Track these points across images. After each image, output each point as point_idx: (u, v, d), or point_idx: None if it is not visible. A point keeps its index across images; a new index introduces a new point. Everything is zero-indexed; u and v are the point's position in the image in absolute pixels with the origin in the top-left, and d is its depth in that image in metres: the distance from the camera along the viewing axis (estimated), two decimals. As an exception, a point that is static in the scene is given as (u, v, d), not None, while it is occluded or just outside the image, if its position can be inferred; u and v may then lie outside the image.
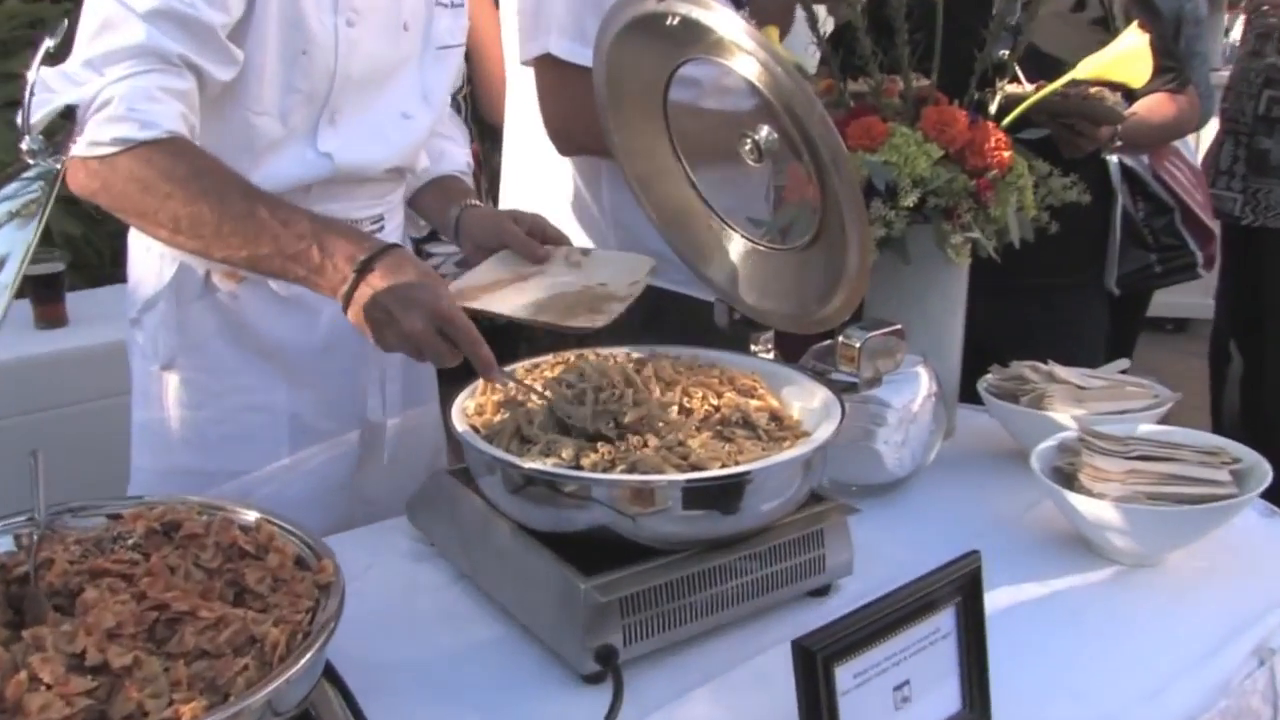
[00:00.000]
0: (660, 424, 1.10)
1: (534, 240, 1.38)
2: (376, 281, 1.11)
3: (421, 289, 1.10)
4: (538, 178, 1.77)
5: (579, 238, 1.70)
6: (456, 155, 1.57)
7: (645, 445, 1.06)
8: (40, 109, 1.02)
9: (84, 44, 1.15)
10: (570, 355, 1.26)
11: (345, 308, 1.12)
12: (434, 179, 1.54)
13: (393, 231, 1.48)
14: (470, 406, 1.18)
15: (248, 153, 1.26)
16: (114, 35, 1.14)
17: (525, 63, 1.65)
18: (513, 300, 1.27)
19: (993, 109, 1.53)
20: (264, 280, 1.31)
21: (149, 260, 1.36)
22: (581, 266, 1.36)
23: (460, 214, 1.46)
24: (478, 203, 1.49)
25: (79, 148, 1.12)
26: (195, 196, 1.13)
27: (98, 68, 1.13)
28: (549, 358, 1.27)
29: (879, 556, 1.20)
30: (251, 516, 1.01)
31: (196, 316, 1.36)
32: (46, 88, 1.12)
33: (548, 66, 1.61)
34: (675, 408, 1.14)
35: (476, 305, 1.23)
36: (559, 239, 1.41)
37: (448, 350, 1.10)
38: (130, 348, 1.42)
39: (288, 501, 1.30)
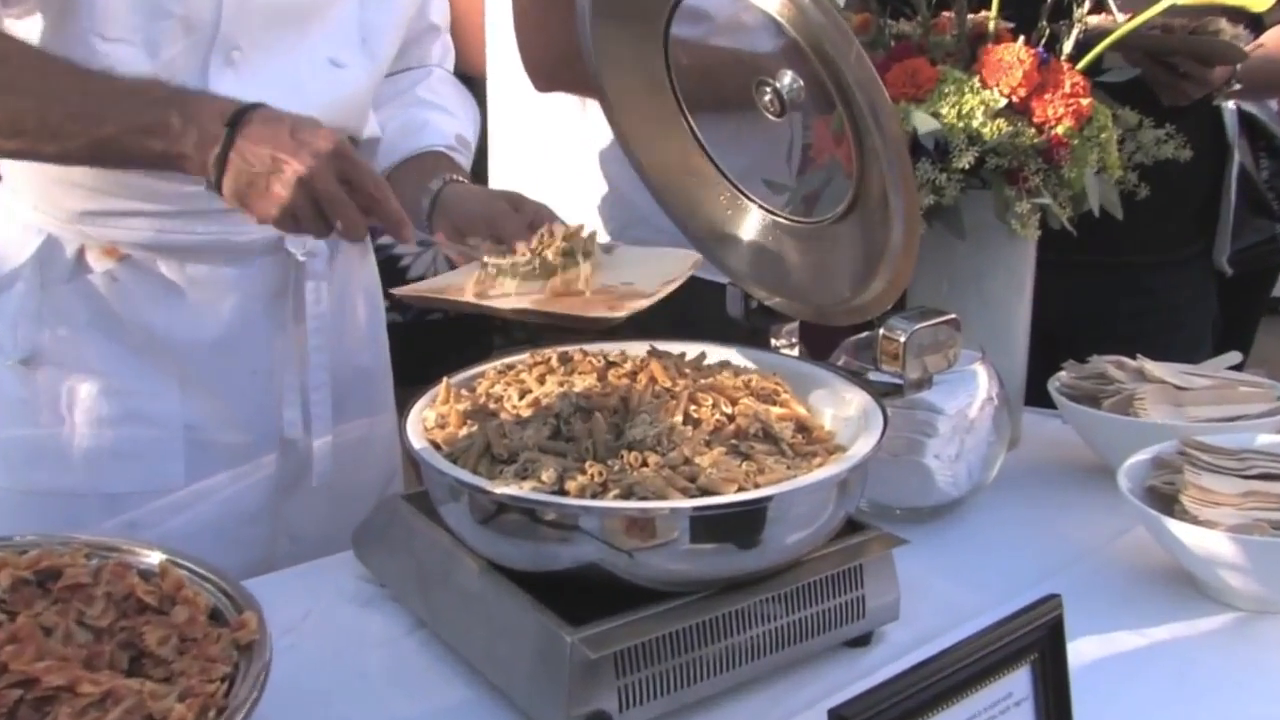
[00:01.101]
0: (663, 438, 1.10)
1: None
2: (255, 134, 1.10)
3: (309, 126, 1.11)
4: (528, 135, 1.78)
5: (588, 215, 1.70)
6: (444, 127, 1.56)
7: (644, 464, 1.06)
8: None
9: None
10: (552, 354, 1.26)
11: (219, 180, 1.11)
12: (409, 157, 1.52)
13: None
14: (430, 418, 1.17)
15: None
16: None
17: None
18: (513, 298, 1.27)
19: (1068, 46, 1.52)
20: (150, 260, 1.30)
21: (7, 230, 1.35)
22: (602, 265, 1.35)
23: (441, 189, 1.44)
24: (465, 179, 1.47)
25: None
26: (4, 85, 1.12)
27: None
28: (525, 357, 1.27)
29: (931, 599, 1.20)
30: (154, 558, 1.00)
31: (66, 302, 1.35)
32: None
33: None
34: (679, 418, 1.14)
35: (466, 299, 1.23)
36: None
37: (351, 204, 1.10)
38: None
39: (189, 538, 1.30)
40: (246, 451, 1.43)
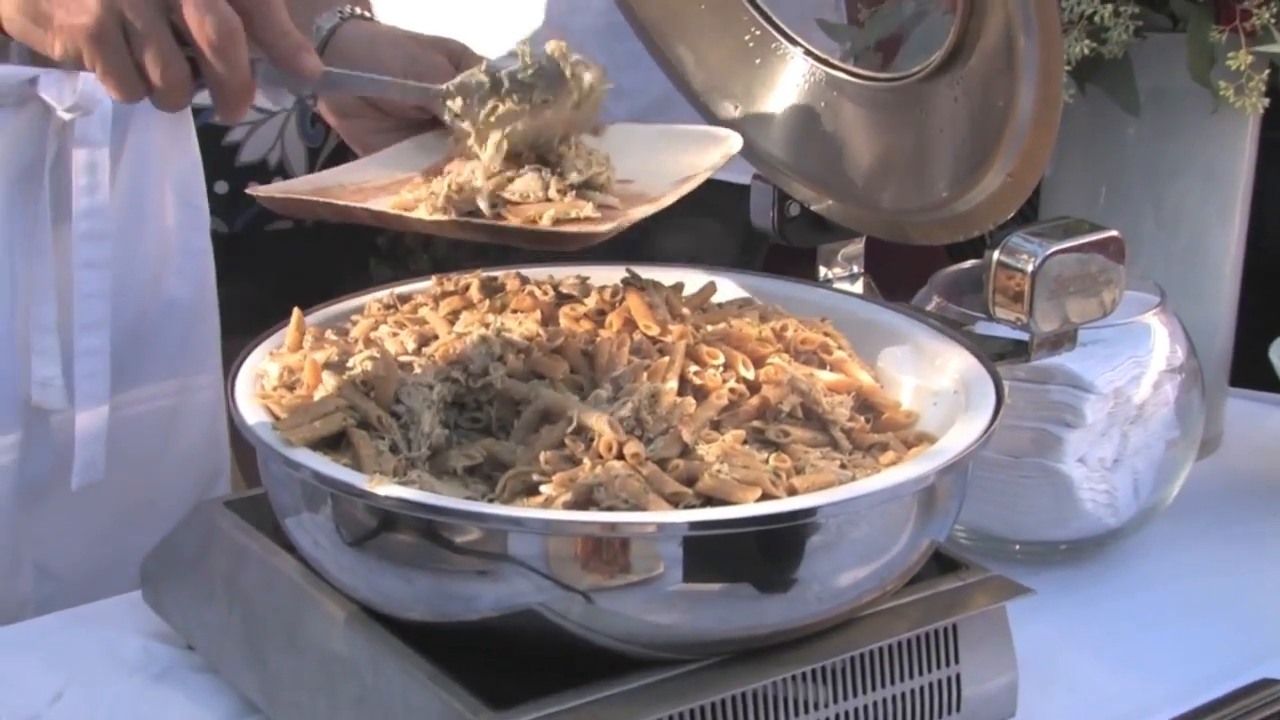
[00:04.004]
0: (644, 415, 1.14)
1: None
2: None
3: None
4: None
5: None
6: None
7: (617, 455, 1.10)
8: None
9: None
10: (470, 280, 1.31)
11: None
12: None
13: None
14: (272, 374, 1.21)
15: None
16: None
17: None
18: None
19: None
20: None
21: None
22: (594, 150, 1.34)
23: (337, 26, 1.45)
24: (368, 14, 1.49)
25: None
26: None
27: None
28: (428, 284, 1.32)
29: (1068, 685, 1.24)
30: None
31: None
32: None
33: None
34: (673, 383, 1.18)
35: (386, 209, 1.26)
36: None
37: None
38: None
39: None
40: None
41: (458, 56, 1.41)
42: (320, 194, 1.30)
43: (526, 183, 1.25)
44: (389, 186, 1.31)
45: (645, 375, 1.17)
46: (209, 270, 1.67)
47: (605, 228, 1.21)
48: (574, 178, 1.26)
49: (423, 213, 1.24)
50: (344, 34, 1.45)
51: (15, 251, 1.48)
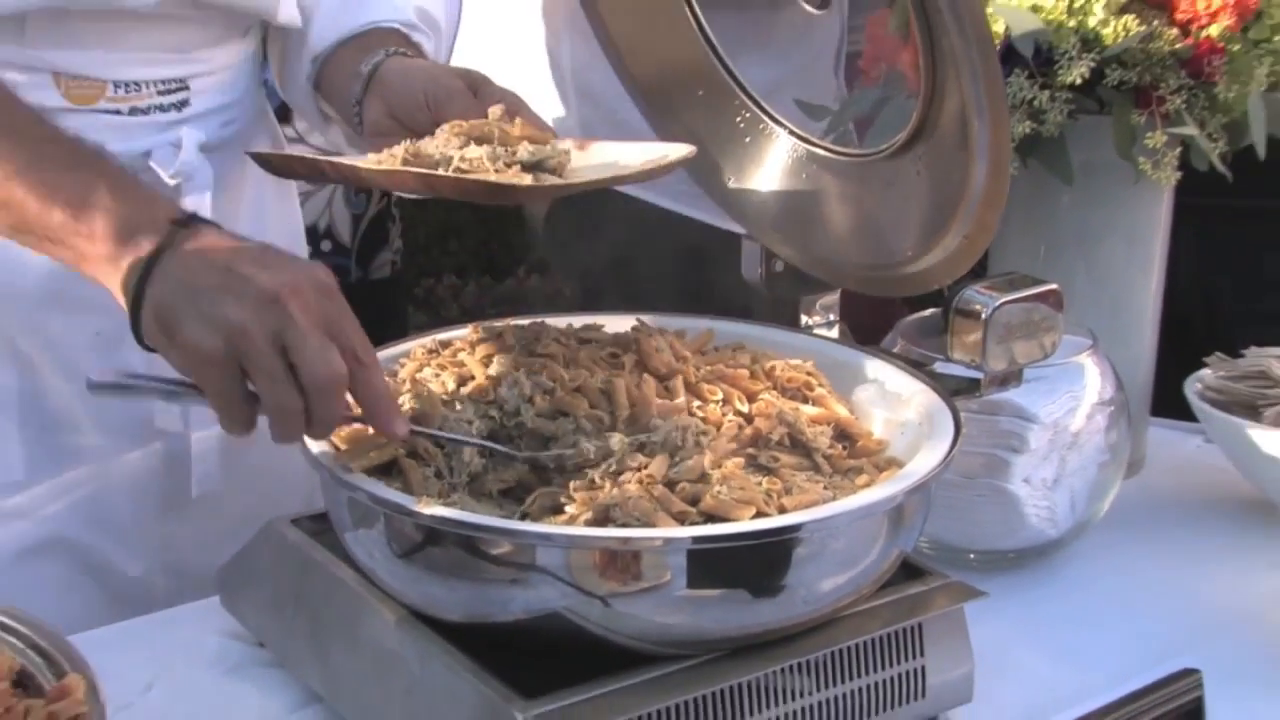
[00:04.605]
0: (687, 440, 1.14)
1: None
2: (209, 242, 1.09)
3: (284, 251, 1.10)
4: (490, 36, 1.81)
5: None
6: (399, 1, 1.56)
7: (643, 476, 1.10)
8: None
9: None
10: (503, 327, 1.29)
11: (138, 293, 1.09)
12: (349, 37, 1.51)
13: (218, 121, 1.50)
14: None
15: None
16: None
17: None
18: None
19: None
20: None
21: None
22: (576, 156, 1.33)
23: (381, 62, 1.44)
24: (409, 53, 1.48)
25: None
26: None
27: None
28: (464, 330, 1.30)
29: (1016, 675, 1.24)
30: None
31: None
32: None
33: None
34: (701, 416, 1.19)
35: (341, 160, 1.25)
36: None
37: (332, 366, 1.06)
38: None
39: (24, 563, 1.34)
40: (104, 448, 1.46)
41: (477, 84, 1.38)
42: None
43: (478, 153, 1.23)
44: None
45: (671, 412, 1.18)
46: None
47: (515, 182, 1.20)
48: (523, 155, 1.24)
49: (369, 161, 1.24)
50: (386, 67, 1.43)
51: None
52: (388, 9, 1.53)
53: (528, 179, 1.21)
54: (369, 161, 1.26)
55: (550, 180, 1.23)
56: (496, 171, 1.21)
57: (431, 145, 1.26)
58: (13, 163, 1.16)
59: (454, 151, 1.24)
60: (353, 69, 1.46)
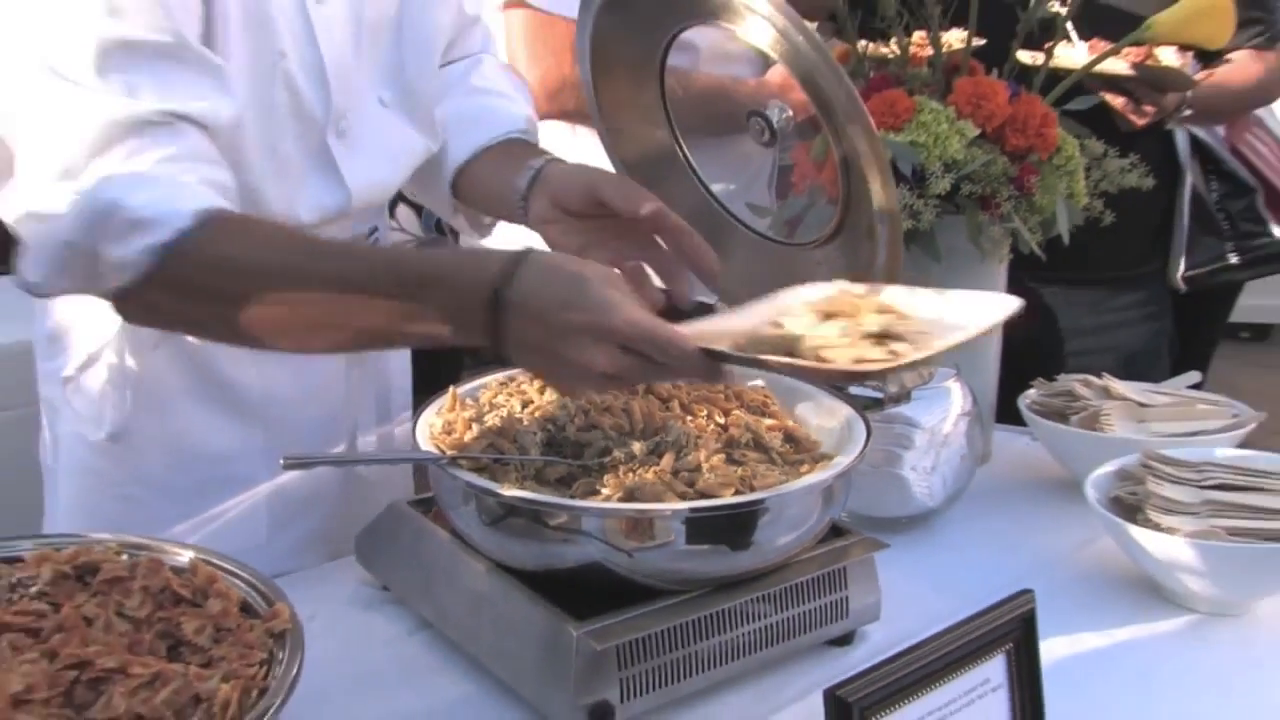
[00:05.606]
0: (687, 442, 1.18)
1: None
2: (520, 321, 1.02)
3: (576, 304, 1.00)
4: None
5: None
6: (514, 111, 1.48)
7: (655, 467, 1.14)
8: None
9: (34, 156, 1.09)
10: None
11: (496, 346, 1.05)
12: (490, 145, 1.44)
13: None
14: (437, 425, 1.24)
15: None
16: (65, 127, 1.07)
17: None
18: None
19: (1038, 79, 1.62)
20: None
21: (93, 304, 1.17)
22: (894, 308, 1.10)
23: (543, 168, 1.33)
24: (560, 160, 1.37)
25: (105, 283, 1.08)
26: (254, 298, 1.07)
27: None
28: (518, 371, 1.34)
29: (907, 602, 1.28)
30: (185, 556, 1.07)
31: (157, 369, 1.33)
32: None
33: (525, 18, 1.70)
34: (708, 425, 1.23)
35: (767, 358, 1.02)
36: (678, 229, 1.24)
37: (649, 368, 1.02)
38: (53, 414, 1.39)
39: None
40: (315, 494, 1.46)
41: (615, 180, 1.30)
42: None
43: (828, 329, 1.06)
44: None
45: (680, 421, 1.23)
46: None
47: (881, 367, 0.99)
48: (870, 326, 1.05)
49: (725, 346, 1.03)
50: (550, 171, 1.34)
51: (349, 378, 1.48)
52: (510, 122, 1.46)
53: (882, 356, 1.00)
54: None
55: (912, 355, 1.00)
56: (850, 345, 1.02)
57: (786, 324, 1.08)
58: (353, 281, 1.08)
59: (806, 331, 1.05)
60: (511, 166, 1.37)
